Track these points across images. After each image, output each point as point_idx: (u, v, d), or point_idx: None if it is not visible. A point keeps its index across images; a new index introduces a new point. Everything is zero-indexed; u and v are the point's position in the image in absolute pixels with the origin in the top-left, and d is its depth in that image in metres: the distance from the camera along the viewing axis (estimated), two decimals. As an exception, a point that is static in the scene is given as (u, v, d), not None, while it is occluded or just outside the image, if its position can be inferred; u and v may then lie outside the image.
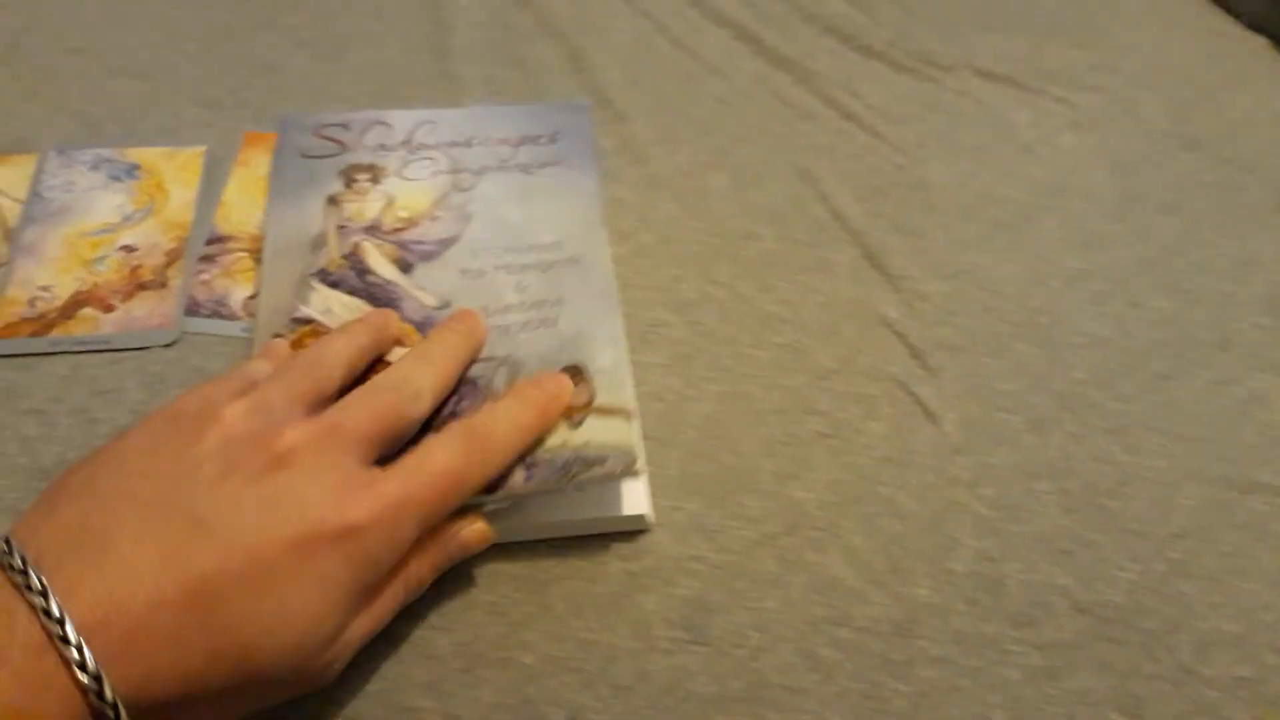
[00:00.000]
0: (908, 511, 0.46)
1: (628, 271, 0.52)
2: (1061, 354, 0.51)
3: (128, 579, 0.32)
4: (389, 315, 0.45)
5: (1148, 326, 0.52)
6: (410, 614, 0.41)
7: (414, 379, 0.40)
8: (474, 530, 0.41)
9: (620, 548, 0.44)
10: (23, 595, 0.31)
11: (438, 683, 0.40)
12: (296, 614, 0.34)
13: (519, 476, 0.41)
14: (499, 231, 0.49)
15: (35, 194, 0.53)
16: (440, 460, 0.38)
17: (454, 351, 0.43)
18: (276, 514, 0.34)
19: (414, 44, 0.63)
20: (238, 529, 0.34)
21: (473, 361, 0.44)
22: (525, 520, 0.43)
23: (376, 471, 0.37)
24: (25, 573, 0.31)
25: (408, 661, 0.41)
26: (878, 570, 0.44)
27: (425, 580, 0.40)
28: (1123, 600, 0.44)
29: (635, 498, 0.44)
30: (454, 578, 0.42)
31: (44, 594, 0.31)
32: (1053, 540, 0.45)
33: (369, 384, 0.40)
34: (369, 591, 0.37)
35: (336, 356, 0.41)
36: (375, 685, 0.40)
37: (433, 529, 0.39)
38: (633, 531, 0.45)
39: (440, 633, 0.42)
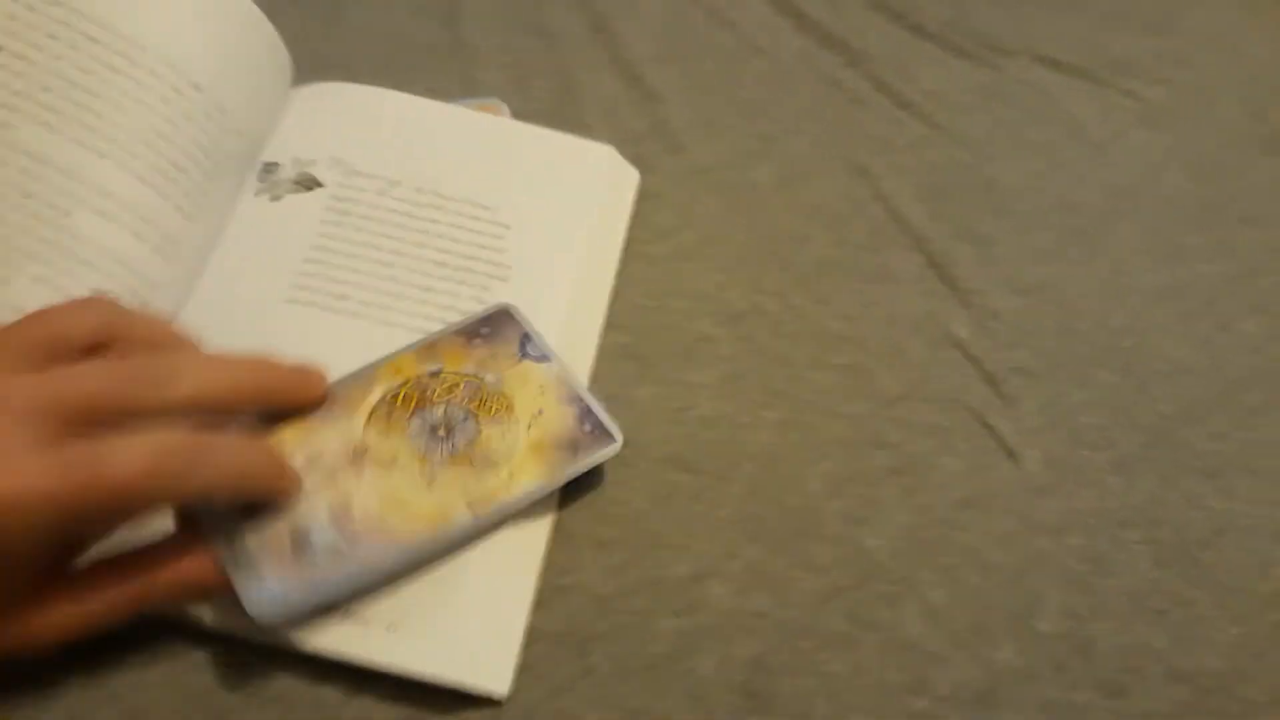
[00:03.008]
0: (989, 562, 0.41)
1: (668, 276, 0.47)
2: (1146, 383, 0.46)
3: None
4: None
5: (1237, 353, 0.47)
6: (439, 684, 0.35)
7: (163, 367, 0.34)
8: (195, 566, 0.34)
9: (672, 600, 0.39)
10: None
11: (468, 757, 0.35)
12: None
13: None
14: None
15: None
16: (125, 453, 0.31)
17: (240, 376, 0.36)
18: None
19: (420, 5, 0.56)
20: None
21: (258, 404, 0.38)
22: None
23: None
24: None
25: (432, 733, 0.35)
26: (958, 630, 0.40)
27: (114, 610, 0.33)
28: (1222, 666, 0.39)
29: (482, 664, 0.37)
30: (489, 642, 0.37)
31: None
32: (1145, 597, 0.41)
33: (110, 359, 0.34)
34: None
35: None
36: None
37: (140, 558, 0.34)
38: (685, 584, 0.40)
39: (468, 702, 0.36)
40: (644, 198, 0.48)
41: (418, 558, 0.37)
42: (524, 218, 0.46)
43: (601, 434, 0.40)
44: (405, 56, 0.53)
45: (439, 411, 0.40)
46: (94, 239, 0.39)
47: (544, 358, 0.41)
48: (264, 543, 0.35)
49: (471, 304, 0.43)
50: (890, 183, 0.51)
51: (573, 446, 0.40)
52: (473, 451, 0.39)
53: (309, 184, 0.46)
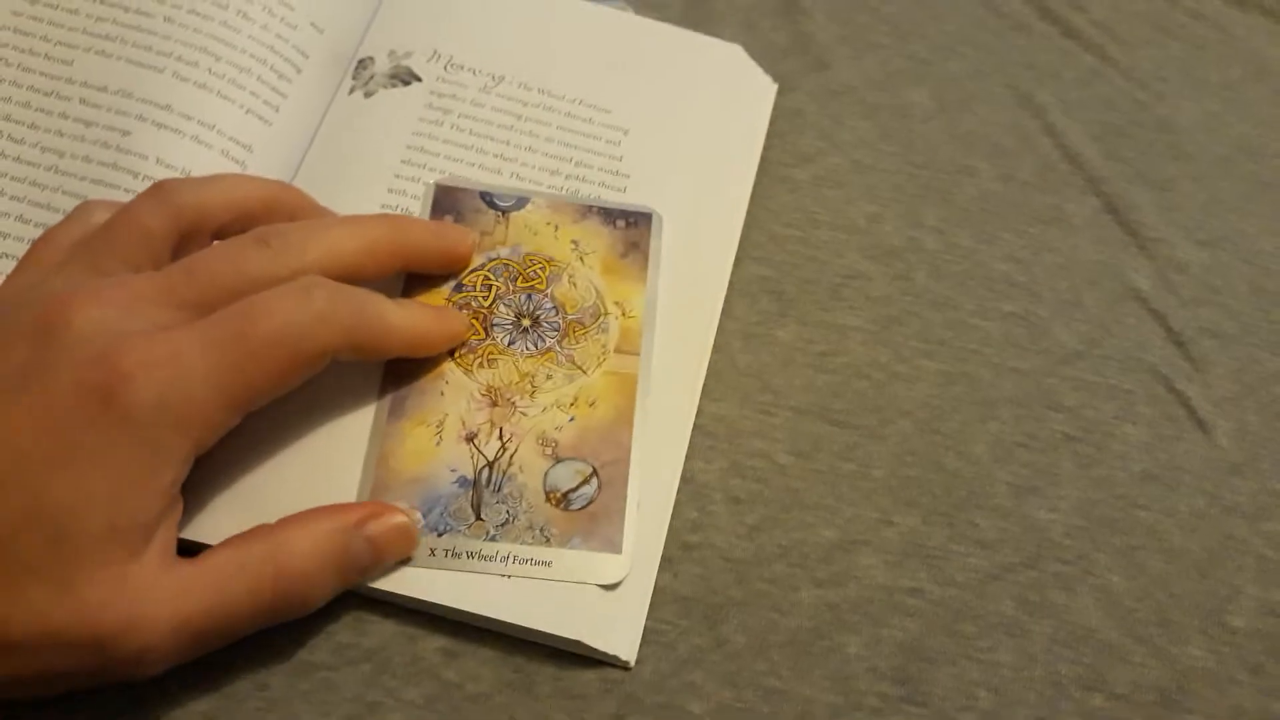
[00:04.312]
0: (1176, 545, 0.36)
1: (812, 204, 0.41)
2: (1349, 353, 0.40)
3: None
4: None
5: None
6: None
7: (292, 235, 0.30)
8: (390, 526, 0.31)
9: (815, 569, 0.34)
10: None
11: (584, 735, 0.30)
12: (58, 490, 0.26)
13: None
14: None
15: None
16: (272, 305, 0.28)
17: (375, 234, 0.32)
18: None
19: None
20: None
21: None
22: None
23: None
24: None
25: (544, 700, 0.31)
26: (1140, 620, 0.35)
27: (309, 574, 0.29)
28: None
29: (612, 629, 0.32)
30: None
31: None
32: (1352, 595, 0.36)
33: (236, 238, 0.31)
34: (161, 493, 0.27)
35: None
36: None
37: (328, 516, 0.29)
38: (830, 552, 0.35)
39: (585, 665, 0.31)
40: (785, 116, 0.43)
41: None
42: (644, 122, 0.41)
43: (639, 217, 0.38)
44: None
45: (503, 311, 0.36)
46: (154, 154, 0.37)
47: (520, 200, 0.38)
48: (540, 521, 0.32)
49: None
50: (1059, 116, 0.45)
51: (634, 245, 0.37)
52: (571, 317, 0.36)
53: (405, 78, 0.41)
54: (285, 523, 0.29)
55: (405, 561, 0.31)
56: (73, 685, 0.27)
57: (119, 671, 0.27)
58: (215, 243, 0.31)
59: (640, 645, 0.32)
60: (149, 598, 0.26)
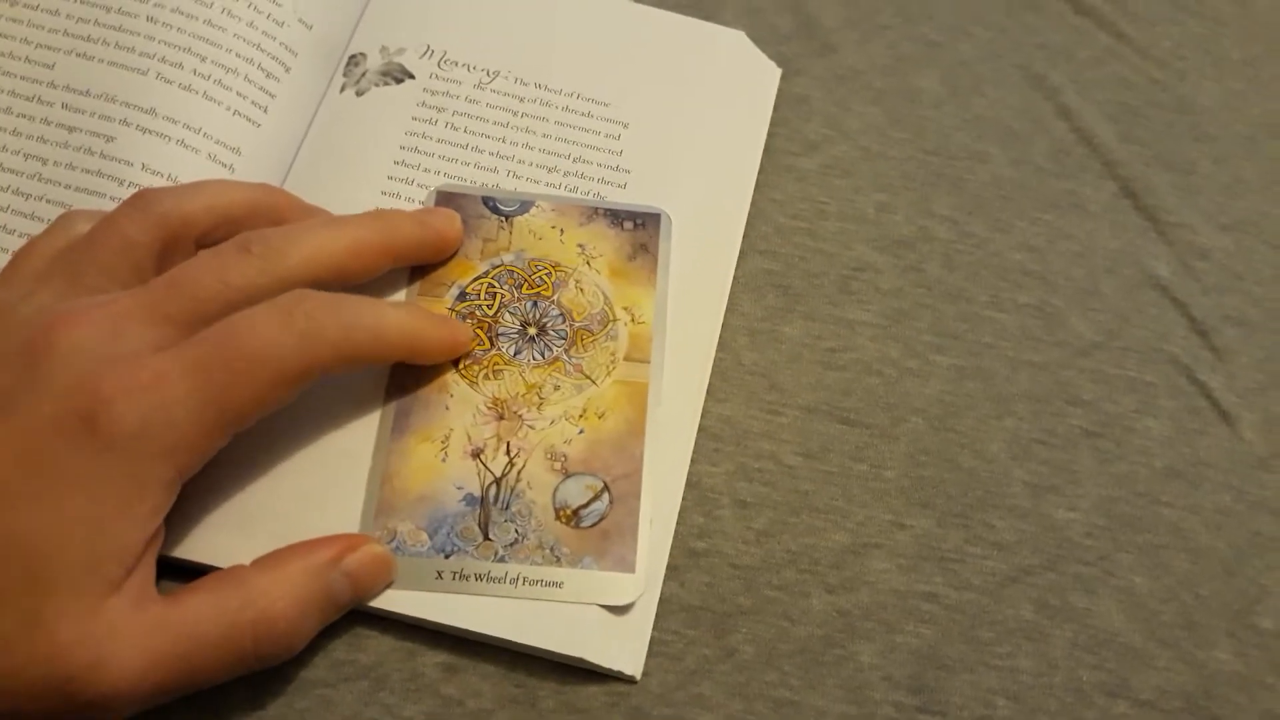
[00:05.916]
0: (1201, 544, 0.35)
1: (819, 194, 0.40)
2: (1379, 339, 0.39)
3: None
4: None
5: None
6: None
7: (274, 240, 0.29)
8: (366, 556, 0.29)
9: (827, 575, 0.33)
10: None
11: (589, 752, 0.30)
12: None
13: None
14: None
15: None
16: (255, 324, 0.27)
17: (360, 233, 0.32)
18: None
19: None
20: None
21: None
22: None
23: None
24: None
25: (547, 715, 0.30)
26: (1165, 623, 0.34)
27: (290, 620, 0.28)
28: None
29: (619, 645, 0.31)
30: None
31: None
32: (1385, 593, 0.34)
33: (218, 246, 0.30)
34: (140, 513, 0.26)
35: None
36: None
37: (302, 556, 0.28)
38: (842, 556, 0.34)
39: (589, 679, 0.31)
40: (790, 103, 0.42)
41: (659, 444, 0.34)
42: (644, 115, 0.40)
43: (647, 217, 0.36)
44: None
45: (509, 320, 0.34)
46: (139, 160, 0.36)
47: (524, 204, 0.37)
48: (550, 540, 0.31)
49: (584, 215, 0.38)
50: (1073, 97, 0.43)
51: (643, 247, 0.36)
52: (579, 324, 0.35)
53: (398, 75, 0.39)
54: (261, 565, 0.28)
55: (405, 584, 0.30)
56: None
57: (82, 715, 0.25)
58: (199, 252, 0.30)
59: (646, 657, 0.31)
60: (120, 638, 0.25)
